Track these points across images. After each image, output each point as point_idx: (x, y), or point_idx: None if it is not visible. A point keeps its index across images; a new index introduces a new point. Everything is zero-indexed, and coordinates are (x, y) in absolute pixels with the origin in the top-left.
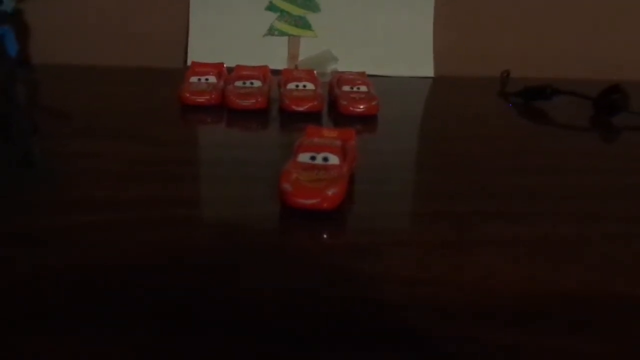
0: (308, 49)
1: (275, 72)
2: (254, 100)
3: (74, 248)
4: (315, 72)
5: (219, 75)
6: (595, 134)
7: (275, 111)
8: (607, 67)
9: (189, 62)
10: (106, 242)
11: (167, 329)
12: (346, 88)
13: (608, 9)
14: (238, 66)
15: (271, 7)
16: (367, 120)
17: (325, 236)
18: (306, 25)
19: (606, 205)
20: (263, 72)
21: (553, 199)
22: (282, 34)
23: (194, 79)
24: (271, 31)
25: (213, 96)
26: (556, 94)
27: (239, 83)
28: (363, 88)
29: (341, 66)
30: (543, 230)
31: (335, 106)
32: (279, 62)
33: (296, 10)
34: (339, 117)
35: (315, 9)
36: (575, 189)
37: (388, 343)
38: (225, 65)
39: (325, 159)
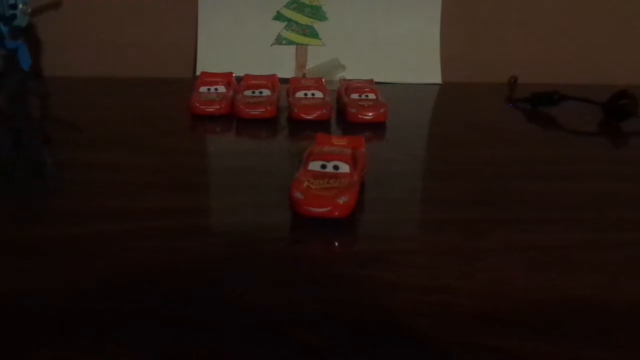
0: (316, 58)
1: (284, 81)
2: (263, 109)
3: (87, 257)
4: (323, 80)
5: (228, 85)
6: (605, 140)
7: (284, 120)
8: (615, 72)
9: (198, 72)
10: (118, 251)
11: (179, 336)
12: (354, 96)
13: (615, 14)
14: (247, 75)
15: (279, 17)
16: (376, 128)
17: (336, 244)
18: (313, 34)
19: (618, 211)
20: (272, 81)
21: (564, 205)
22: (289, 43)
23: (203, 89)
24: (279, 40)
25: (223, 106)
26: (564, 100)
27: (248, 92)
28: (371, 96)
29: (349, 74)
30: (554, 237)
31: (343, 114)
32: (287, 71)
33: (303, 20)
34: (348, 124)
35: (322, 17)
36: (586, 195)
37: (399, 350)
38: (234, 75)
39: (336, 167)
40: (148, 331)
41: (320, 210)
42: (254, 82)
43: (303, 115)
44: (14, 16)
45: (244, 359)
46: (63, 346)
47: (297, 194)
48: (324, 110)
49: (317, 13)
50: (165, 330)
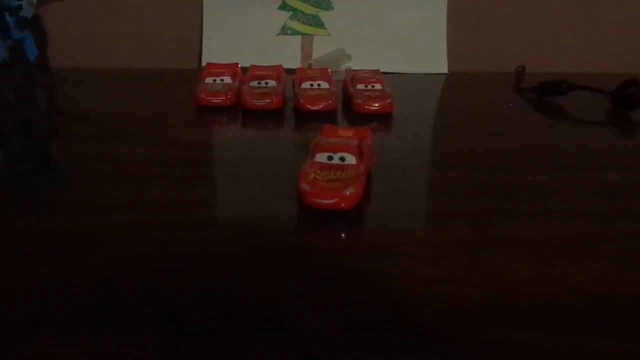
0: (321, 48)
1: (289, 72)
2: (269, 100)
3: (94, 249)
4: (329, 70)
5: (233, 76)
6: (613, 129)
7: (290, 110)
8: (624, 61)
9: (203, 63)
10: (124, 242)
11: (184, 326)
12: (360, 86)
13: (623, 2)
14: (252, 66)
15: (284, 6)
16: (382, 119)
17: (343, 235)
18: (319, 24)
19: (626, 201)
20: (277, 72)
21: (571, 195)
22: (295, 33)
23: (209, 80)
24: (284, 30)
25: (228, 97)
26: (572, 89)
27: (253, 83)
28: (377, 86)
29: (355, 64)
30: (562, 227)
31: (349, 104)
32: (292, 61)
33: (309, 9)
34: (354, 115)
35: (328, 7)
36: (594, 185)
37: (406, 342)
38: (239, 66)
39: (342, 159)
40: (153, 322)
41: (327, 201)
42: (259, 72)
43: (309, 106)
44: (20, 7)
45: (249, 350)
46: (70, 337)
47: (304, 186)
48: (330, 101)
49: (322, 2)
50: (171, 321)
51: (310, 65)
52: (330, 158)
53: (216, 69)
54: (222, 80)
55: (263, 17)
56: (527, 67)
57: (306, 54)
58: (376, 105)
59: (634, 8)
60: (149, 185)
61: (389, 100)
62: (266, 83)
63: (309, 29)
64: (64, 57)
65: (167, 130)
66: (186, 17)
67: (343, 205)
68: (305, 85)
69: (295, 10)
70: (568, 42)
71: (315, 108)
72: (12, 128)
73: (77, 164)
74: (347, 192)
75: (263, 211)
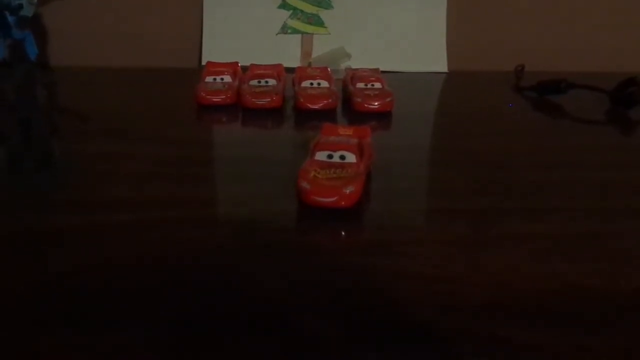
0: (321, 47)
1: (289, 70)
2: (269, 99)
3: (93, 248)
4: (329, 69)
5: (234, 75)
6: (612, 128)
7: (290, 109)
8: (623, 59)
9: (203, 62)
10: (125, 242)
11: (187, 328)
12: (360, 85)
13: (622, 1)
14: (252, 65)
15: (284, 5)
16: (382, 117)
17: (342, 234)
18: (319, 23)
19: (626, 200)
20: (277, 71)
21: (571, 194)
22: (295, 31)
23: (209, 79)
24: (284, 29)
25: (228, 95)
26: (571, 88)
27: (253, 82)
28: (377, 85)
29: (355, 63)
30: (561, 226)
31: (349, 103)
32: (292, 60)
33: (309, 8)
34: (354, 114)
35: (327, 6)
36: (593, 183)
37: (405, 340)
38: (239, 64)
39: (342, 157)
40: (153, 322)
41: (327, 200)
42: (259, 71)
43: (309, 104)
44: (21, 6)
45: (249, 350)
46: (70, 337)
47: (304, 184)
48: (330, 100)
49: (322, 1)
50: (171, 321)
51: (310, 64)
52: (330, 156)
53: (216, 67)
54: (222, 79)
55: (263, 16)
56: (527, 65)
57: (306, 53)
58: (376, 103)
59: (632, 7)
60: (149, 184)
61: (388, 99)
62: (266, 82)
63: (309, 28)
64: (64, 56)
65: (167, 129)
66: (186, 16)
67: (343, 203)
68: (305, 84)
69: (295, 9)
70: (567, 41)
71: (315, 107)
72: (13, 127)
73: (77, 163)
74: (347, 191)
75: (263, 210)
